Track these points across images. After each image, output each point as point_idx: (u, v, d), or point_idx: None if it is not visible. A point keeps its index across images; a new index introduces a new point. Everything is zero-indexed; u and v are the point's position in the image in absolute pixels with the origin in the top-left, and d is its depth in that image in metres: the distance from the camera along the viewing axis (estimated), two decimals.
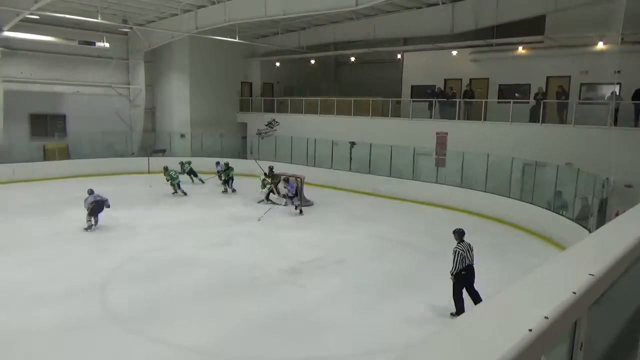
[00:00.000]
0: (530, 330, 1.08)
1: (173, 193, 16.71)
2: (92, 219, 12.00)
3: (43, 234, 11.72)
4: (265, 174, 16.34)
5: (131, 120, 23.66)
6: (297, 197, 14.62)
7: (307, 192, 16.16)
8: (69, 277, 8.81)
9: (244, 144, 24.47)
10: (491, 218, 14.14)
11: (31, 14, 16.39)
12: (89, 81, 22.21)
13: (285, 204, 15.29)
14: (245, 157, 23.23)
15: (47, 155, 20.65)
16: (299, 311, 7.74)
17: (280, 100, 24.65)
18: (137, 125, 23.71)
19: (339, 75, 27.71)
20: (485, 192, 14.82)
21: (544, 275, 1.54)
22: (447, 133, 16.77)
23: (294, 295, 8.44)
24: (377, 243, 11.83)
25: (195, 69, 23.38)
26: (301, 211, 14.48)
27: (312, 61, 24.85)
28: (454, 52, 18.92)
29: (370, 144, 18.37)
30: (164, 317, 7.37)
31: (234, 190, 17.68)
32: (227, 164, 18.12)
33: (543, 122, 15.45)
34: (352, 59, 24.41)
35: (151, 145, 23.41)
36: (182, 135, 23.39)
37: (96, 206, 11.94)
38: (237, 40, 19.48)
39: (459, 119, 17.61)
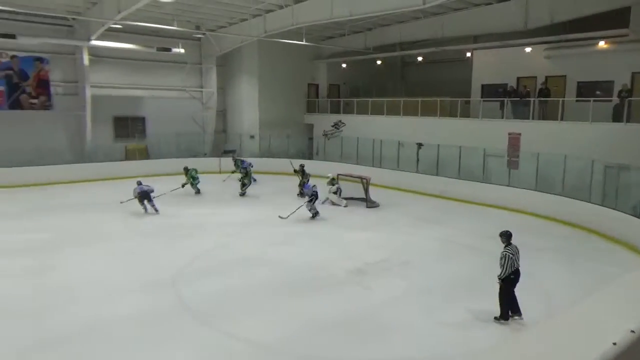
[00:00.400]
0: (614, 344, 1.03)
1: (196, 193, 17.20)
2: (146, 205, 13.92)
3: (120, 229, 12.54)
4: (295, 170, 16.49)
5: (204, 122, 24.73)
6: (312, 202, 13.80)
7: (373, 193, 16.09)
8: (143, 271, 9.37)
9: (311, 145, 24.80)
10: (565, 223, 13.37)
11: (115, 23, 17.60)
12: (166, 85, 23.51)
13: (346, 205, 15.32)
14: (311, 158, 23.54)
15: (128, 155, 22.08)
16: (364, 312, 7.74)
17: (346, 102, 24.71)
18: (209, 127, 24.74)
19: (406, 75, 27.33)
20: (562, 195, 14.02)
21: (629, 285, 1.46)
22: (520, 134, 16.01)
23: (358, 296, 8.45)
24: (443, 246, 11.57)
25: (264, 71, 24.01)
26: (314, 215, 13.81)
27: (378, 62, 24.71)
28: (528, 49, 18.05)
29: (438, 145, 17.96)
30: (232, 313, 7.65)
31: (243, 194, 17.28)
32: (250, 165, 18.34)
33: (628, 121, 14.35)
34: (419, 58, 23.98)
35: (222, 145, 24.36)
36: (252, 136, 24.12)
37: (143, 195, 13.82)
38: (304, 42, 19.79)
39: (533, 119, 16.78)
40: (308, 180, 14.50)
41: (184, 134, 23.26)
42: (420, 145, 18.61)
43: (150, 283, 8.70)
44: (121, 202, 14.51)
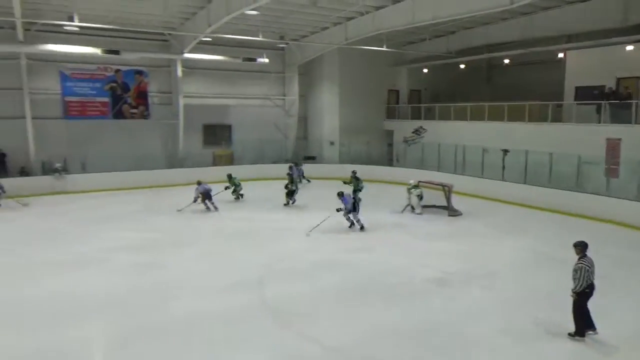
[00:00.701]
0: None
1: (235, 199, 17.47)
2: (207, 204, 15.29)
3: (209, 231, 13.25)
4: (345, 182, 16.27)
5: (286, 129, 25.48)
6: (355, 212, 13.26)
7: (455, 201, 15.62)
8: (231, 272, 9.83)
9: (390, 151, 24.63)
10: None
11: (205, 37, 18.73)
12: (251, 94, 24.57)
13: (420, 213, 15.00)
14: (391, 165, 23.37)
15: (215, 161, 23.33)
16: (441, 322, 7.53)
17: (428, 107, 24.24)
18: (291, 134, 25.45)
19: (491, 78, 26.22)
20: None
21: None
22: (620, 139, 14.74)
23: (436, 305, 8.24)
24: (528, 257, 10.97)
25: (344, 78, 24.27)
26: (361, 227, 13.20)
27: (462, 65, 23.98)
28: (629, 47, 16.58)
29: (526, 152, 17.05)
30: (309, 315, 7.79)
31: (292, 202, 16.59)
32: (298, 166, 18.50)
33: None
34: (506, 61, 22.91)
35: (303, 152, 24.94)
36: (332, 143, 24.46)
37: (205, 194, 15.23)
38: (384, 48, 19.74)
39: (636, 123, 15.36)
40: (341, 195, 13.80)
41: (267, 141, 24.13)
42: (506, 151, 17.75)
43: (237, 283, 9.12)
44: (178, 210, 15.24)
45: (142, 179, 20.00)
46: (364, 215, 13.42)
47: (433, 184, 16.28)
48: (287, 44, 22.89)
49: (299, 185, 17.28)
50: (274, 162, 23.57)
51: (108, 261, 10.44)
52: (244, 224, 14.10)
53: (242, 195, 17.67)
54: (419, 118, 24.00)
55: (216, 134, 23.98)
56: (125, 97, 21.57)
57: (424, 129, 23.27)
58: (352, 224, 13.28)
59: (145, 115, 22.13)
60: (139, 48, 20.38)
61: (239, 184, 17.69)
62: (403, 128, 24.33)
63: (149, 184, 19.92)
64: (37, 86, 19.56)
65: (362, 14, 18.39)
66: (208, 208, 15.37)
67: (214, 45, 21.42)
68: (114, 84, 21.29)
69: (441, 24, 18.93)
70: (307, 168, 22.29)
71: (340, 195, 13.21)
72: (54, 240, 12.16)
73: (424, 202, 15.39)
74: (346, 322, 7.56)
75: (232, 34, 18.60)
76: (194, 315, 7.71)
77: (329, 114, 24.87)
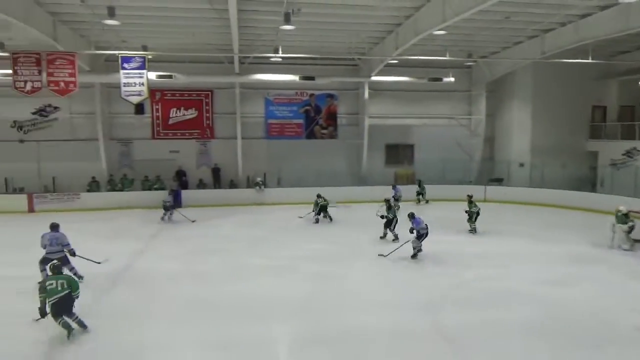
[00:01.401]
0: None
1: (324, 217, 17.35)
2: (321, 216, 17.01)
3: (387, 247, 13.38)
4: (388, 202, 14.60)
5: (470, 149, 24.53)
6: (421, 239, 11.94)
7: None
8: (405, 290, 9.81)
9: (594, 174, 21.72)
10: None
11: (392, 59, 19.28)
12: (434, 114, 24.36)
13: (630, 249, 12.74)
14: (594, 190, 20.61)
15: (397, 180, 23.61)
16: None
17: None
18: (475, 154, 24.40)
19: None
20: None
21: None
22: None
23: None
24: None
25: (538, 95, 22.37)
26: (414, 255, 11.90)
27: None
28: None
29: None
30: (490, 349, 7.28)
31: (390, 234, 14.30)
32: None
33: None
34: None
35: (489, 173, 23.66)
36: (521, 164, 22.64)
37: (321, 208, 17.08)
38: (589, 60, 17.65)
39: None
40: (413, 217, 12.29)
41: (449, 161, 23.54)
42: None
43: (412, 303, 9.07)
44: (300, 217, 16.96)
45: (330, 194, 21.29)
46: (556, 245, 12.06)
47: None
48: (475, 61, 22.15)
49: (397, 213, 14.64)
50: (459, 183, 22.86)
51: (296, 268, 11.38)
52: (425, 244, 13.87)
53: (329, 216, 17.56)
54: (632, 138, 20.71)
55: (398, 154, 24.37)
56: (317, 118, 23.49)
57: (638, 150, 19.98)
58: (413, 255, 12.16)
59: (333, 135, 23.72)
60: (330, 73, 21.97)
61: (324, 204, 17.35)
62: (610, 149, 21.26)
63: (337, 199, 21.10)
64: (247, 111, 22.67)
65: (562, 25, 16.79)
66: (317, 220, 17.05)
67: (400, 67, 21.89)
68: (308, 107, 23.40)
69: None
70: (493, 190, 21.11)
71: (411, 217, 12.33)
72: (254, 247, 13.70)
73: (635, 236, 13.12)
74: None
75: (418, 55, 18.78)
76: (368, 328, 7.90)
77: (519, 133, 23.13)
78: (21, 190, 20.55)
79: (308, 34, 17.74)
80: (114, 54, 17.37)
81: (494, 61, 21.79)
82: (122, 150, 22.31)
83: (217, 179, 22.55)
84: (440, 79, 21.83)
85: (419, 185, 21.58)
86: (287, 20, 13.63)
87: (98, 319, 8.06)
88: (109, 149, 21.82)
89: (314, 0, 13.99)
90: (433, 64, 21.31)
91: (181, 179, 22.02)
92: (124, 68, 16.28)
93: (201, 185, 22.22)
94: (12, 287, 9.67)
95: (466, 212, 15.37)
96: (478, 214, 15.19)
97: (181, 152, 22.58)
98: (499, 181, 22.92)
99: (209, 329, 7.90)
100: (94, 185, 20.97)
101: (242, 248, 13.46)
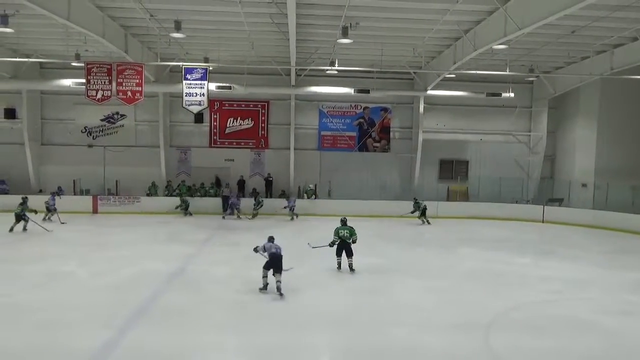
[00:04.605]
0: None
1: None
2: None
3: (438, 265, 13.10)
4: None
5: (529, 167, 23.65)
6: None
7: None
8: (458, 310, 9.51)
9: None
10: None
11: (449, 73, 18.98)
12: (491, 129, 23.71)
13: None
14: None
15: (450, 196, 23.15)
16: None
17: None
18: (534, 173, 23.50)
19: None
20: None
21: None
22: None
23: None
24: None
25: (605, 113, 21.24)
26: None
27: None
28: None
29: None
30: None
31: None
32: None
33: None
34: None
35: (548, 193, 22.67)
36: (584, 185, 21.52)
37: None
38: None
39: None
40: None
41: (506, 178, 22.75)
42: None
43: (463, 324, 8.77)
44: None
45: (377, 208, 21.20)
46: (625, 272, 11.29)
47: None
48: (537, 76, 21.41)
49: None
50: (515, 202, 22.05)
51: (341, 280, 11.35)
52: (479, 263, 13.49)
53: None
54: None
55: (452, 169, 23.86)
56: (370, 131, 23.45)
57: None
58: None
59: (386, 149, 23.58)
60: (386, 86, 21.90)
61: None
62: None
63: (386, 213, 20.95)
64: (301, 122, 23.02)
65: (634, 40, 15.94)
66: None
67: (457, 81, 21.50)
68: (361, 120, 23.41)
69: None
70: (552, 211, 20.24)
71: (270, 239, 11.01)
72: (298, 257, 13.69)
73: None
74: None
75: (476, 69, 18.38)
76: (416, 346, 7.73)
77: (583, 152, 22.02)
78: (87, 192, 21.82)
79: (364, 48, 17.81)
80: (178, 65, 18.19)
81: (558, 76, 20.98)
82: (181, 157, 23.21)
83: (269, 188, 22.94)
84: (499, 94, 21.22)
85: (415, 204, 19.65)
86: (345, 34, 13.79)
87: (149, 319, 8.36)
88: (169, 155, 22.77)
89: (372, 14, 14.06)
90: (492, 78, 20.80)
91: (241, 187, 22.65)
92: (186, 79, 16.99)
93: (254, 193, 22.66)
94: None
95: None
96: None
97: (236, 161, 23.20)
98: (558, 201, 21.89)
99: (251, 336, 8.00)
100: (153, 190, 21.90)
101: (288, 257, 13.49)
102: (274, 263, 9.85)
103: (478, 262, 13.54)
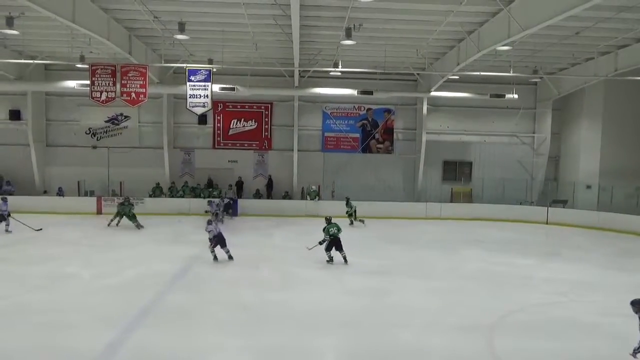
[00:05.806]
0: None
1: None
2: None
3: (442, 267, 13.07)
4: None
5: (533, 168, 23.59)
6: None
7: None
8: (461, 312, 9.47)
9: None
10: None
11: (453, 74, 18.96)
12: (495, 131, 23.66)
13: None
14: None
15: (453, 197, 23.10)
16: None
17: None
18: (538, 174, 23.44)
19: None
20: None
21: None
22: None
23: None
24: None
25: (610, 114, 21.20)
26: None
27: None
28: None
29: None
30: None
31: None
32: None
33: None
34: None
35: (552, 194, 22.60)
36: (588, 187, 21.43)
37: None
38: None
39: None
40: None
41: (509, 180, 22.70)
42: None
43: (467, 325, 8.75)
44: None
45: (380, 209, 21.16)
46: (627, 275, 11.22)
47: None
48: (541, 78, 21.35)
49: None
50: (519, 203, 21.97)
51: (345, 282, 11.34)
52: (483, 265, 13.44)
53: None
54: None
55: (456, 171, 23.82)
56: (374, 133, 23.44)
57: None
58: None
59: (389, 150, 23.58)
60: (389, 88, 21.89)
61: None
62: None
63: (391, 215, 20.92)
64: (304, 123, 23.03)
65: (638, 41, 15.89)
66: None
67: (460, 82, 21.47)
68: (365, 121, 23.41)
69: None
70: (556, 212, 20.13)
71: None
72: (301, 258, 13.69)
73: None
74: None
75: (480, 71, 18.33)
76: (421, 348, 7.71)
77: (587, 153, 21.94)
78: (91, 193, 21.88)
79: (368, 49, 17.80)
80: (182, 67, 18.24)
81: (562, 78, 20.92)
82: (184, 158, 23.26)
83: (270, 189, 22.95)
84: (503, 96, 21.13)
85: (347, 204, 19.37)
86: (349, 36, 13.79)
87: (153, 320, 8.37)
88: (172, 156, 22.81)
89: (375, 16, 14.05)
90: (495, 79, 20.73)
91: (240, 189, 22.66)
92: (190, 80, 17.00)
93: (257, 195, 22.69)
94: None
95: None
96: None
97: (239, 162, 23.23)
98: (563, 203, 21.81)
99: (254, 337, 7.99)
100: (157, 191, 21.94)
101: (291, 258, 13.51)
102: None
103: (482, 264, 13.49)
